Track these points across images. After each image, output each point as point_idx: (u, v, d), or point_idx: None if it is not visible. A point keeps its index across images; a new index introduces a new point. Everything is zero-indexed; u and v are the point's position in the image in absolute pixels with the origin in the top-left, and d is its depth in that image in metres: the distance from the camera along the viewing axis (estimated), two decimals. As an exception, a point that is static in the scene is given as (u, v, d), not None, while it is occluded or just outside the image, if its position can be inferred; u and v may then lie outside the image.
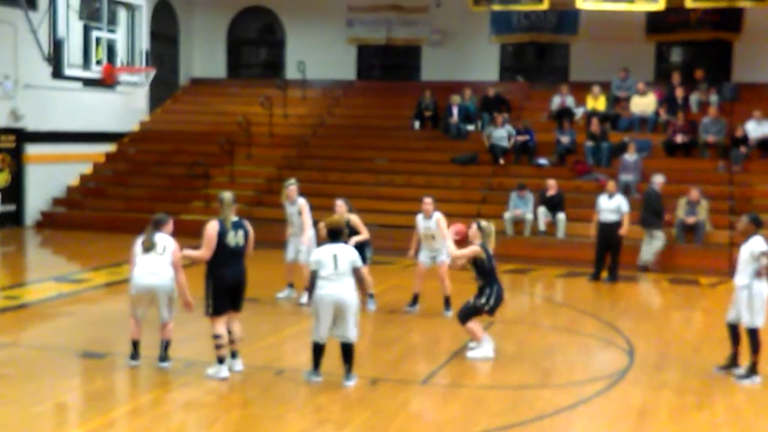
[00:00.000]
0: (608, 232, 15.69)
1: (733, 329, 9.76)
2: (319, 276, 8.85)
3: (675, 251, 17.56)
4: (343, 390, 8.89)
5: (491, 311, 10.30)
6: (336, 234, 9.13)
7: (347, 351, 9.03)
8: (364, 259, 12.22)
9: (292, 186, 13.35)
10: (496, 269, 10.35)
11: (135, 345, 9.58)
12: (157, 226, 9.81)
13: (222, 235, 9.17)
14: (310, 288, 8.94)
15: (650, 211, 16.82)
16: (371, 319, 12.27)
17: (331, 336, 8.98)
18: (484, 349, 10.21)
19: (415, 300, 12.75)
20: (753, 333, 9.54)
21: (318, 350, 9.02)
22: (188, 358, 9.90)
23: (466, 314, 10.30)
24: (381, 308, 12.93)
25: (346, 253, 9.01)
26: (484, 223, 10.46)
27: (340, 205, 12.80)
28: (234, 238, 9.22)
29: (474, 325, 10.29)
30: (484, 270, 10.20)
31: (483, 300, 10.21)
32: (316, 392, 8.85)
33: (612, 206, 15.69)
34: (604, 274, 15.82)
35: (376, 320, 12.24)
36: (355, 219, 12.72)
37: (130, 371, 9.64)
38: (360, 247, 11.79)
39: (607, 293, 15.15)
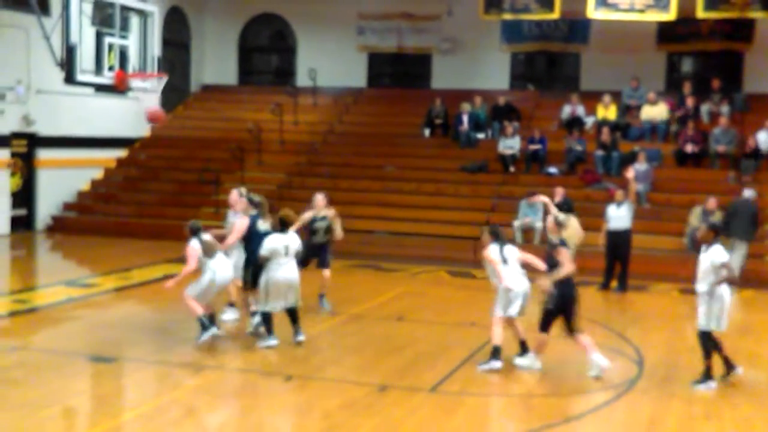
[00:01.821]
0: (617, 241, 15.67)
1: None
2: (275, 262, 10.42)
3: (685, 261, 17.48)
4: (352, 397, 8.89)
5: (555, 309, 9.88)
6: (286, 225, 10.75)
7: (293, 314, 10.74)
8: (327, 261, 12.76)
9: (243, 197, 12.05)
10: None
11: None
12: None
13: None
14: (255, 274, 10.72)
15: (749, 222, 16.80)
16: (379, 327, 12.28)
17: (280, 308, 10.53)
18: (532, 359, 10.08)
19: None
20: (703, 336, 9.51)
21: (269, 318, 10.61)
22: (197, 363, 9.92)
23: (542, 320, 9.99)
24: (390, 315, 12.95)
25: (294, 241, 10.70)
26: (562, 216, 10.35)
27: (321, 199, 12.98)
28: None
29: (545, 336, 10.01)
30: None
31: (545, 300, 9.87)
32: (325, 399, 8.86)
33: (621, 214, 15.68)
34: (614, 284, 15.79)
35: (385, 327, 12.25)
36: (332, 215, 12.89)
37: (139, 376, 9.67)
38: (322, 249, 12.56)
39: (617, 302, 15.12)
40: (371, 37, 25.96)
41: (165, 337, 11.36)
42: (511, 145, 21.34)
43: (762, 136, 20.20)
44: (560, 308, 9.78)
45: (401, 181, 21.57)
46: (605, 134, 20.56)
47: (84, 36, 19.68)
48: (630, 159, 20.04)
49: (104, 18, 20.34)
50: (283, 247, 10.55)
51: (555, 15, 21.66)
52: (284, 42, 27.42)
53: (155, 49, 20.58)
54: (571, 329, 9.83)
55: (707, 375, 9.55)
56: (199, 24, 27.10)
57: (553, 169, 20.89)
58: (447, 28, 25.16)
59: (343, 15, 25.89)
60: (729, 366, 9.76)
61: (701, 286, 9.53)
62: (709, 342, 9.57)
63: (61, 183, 22.19)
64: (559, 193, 18.49)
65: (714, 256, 9.44)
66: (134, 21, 20.08)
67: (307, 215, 12.90)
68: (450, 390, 9.33)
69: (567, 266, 9.66)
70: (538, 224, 18.56)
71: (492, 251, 10.04)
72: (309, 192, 21.68)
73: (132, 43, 19.81)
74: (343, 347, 11.12)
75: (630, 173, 15.43)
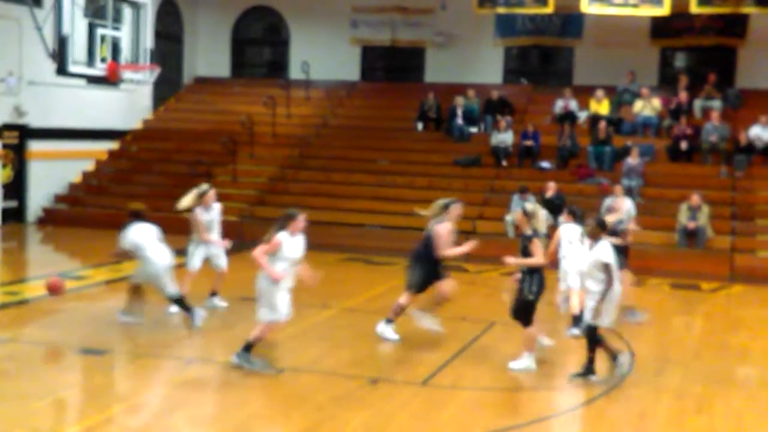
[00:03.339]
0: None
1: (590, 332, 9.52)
2: None
3: (676, 256, 17.55)
4: (344, 390, 8.89)
5: (536, 300, 9.86)
6: None
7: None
8: None
9: (211, 191, 12.35)
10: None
11: None
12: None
13: None
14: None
15: None
16: (371, 320, 12.27)
17: None
18: (527, 361, 9.90)
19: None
20: (590, 331, 9.40)
21: None
22: (188, 356, 9.90)
23: (525, 313, 9.88)
24: (382, 309, 12.89)
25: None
26: (529, 206, 10.29)
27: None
28: None
29: (533, 331, 9.95)
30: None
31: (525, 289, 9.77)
32: (317, 391, 8.85)
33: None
34: None
35: (377, 321, 12.23)
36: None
37: (130, 369, 9.65)
38: None
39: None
40: (365, 30, 25.91)
41: (156, 330, 11.33)
42: (503, 139, 21.34)
43: (754, 132, 20.24)
44: (538, 298, 9.77)
45: (394, 174, 21.55)
46: (602, 129, 20.56)
47: (76, 27, 19.63)
48: (623, 153, 20.07)
49: (96, 9, 20.29)
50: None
51: (549, 9, 21.65)
52: (277, 35, 27.36)
53: (148, 40, 20.53)
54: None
55: (590, 367, 9.37)
56: (192, 16, 27.01)
57: (545, 164, 20.89)
58: (441, 22, 25.12)
59: (337, 8, 25.83)
60: (613, 356, 9.56)
61: (591, 285, 9.35)
62: (595, 336, 9.39)
63: (52, 175, 22.10)
64: (552, 187, 18.53)
65: (600, 253, 9.28)
66: (127, 12, 20.04)
67: None
68: (441, 384, 9.34)
69: (538, 257, 9.64)
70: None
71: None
72: (301, 185, 21.92)
73: (124, 34, 19.77)
74: (334, 340, 11.11)
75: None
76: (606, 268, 9.24)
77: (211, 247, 12.36)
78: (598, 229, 9.45)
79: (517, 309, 9.88)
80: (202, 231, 12.17)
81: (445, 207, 10.78)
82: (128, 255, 11.26)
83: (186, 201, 12.02)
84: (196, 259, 12.34)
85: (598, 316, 9.32)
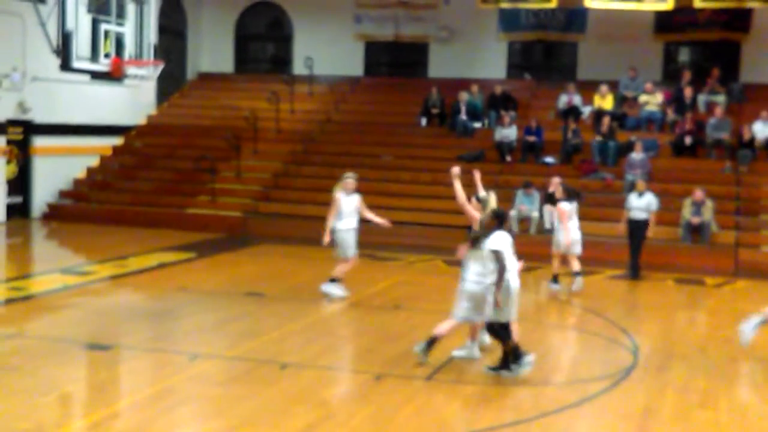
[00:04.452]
0: (637, 229, 15.74)
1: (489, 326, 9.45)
2: None
3: (680, 251, 17.55)
4: (347, 385, 8.90)
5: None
6: None
7: None
8: None
9: (350, 179, 13.29)
10: None
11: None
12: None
13: None
14: None
15: None
16: (375, 315, 12.29)
17: None
18: (470, 349, 9.95)
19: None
20: (494, 327, 9.31)
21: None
22: (193, 351, 9.92)
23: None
24: (386, 304, 12.96)
25: None
26: (482, 194, 10.22)
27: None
28: None
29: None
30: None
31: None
32: (321, 387, 8.86)
33: (642, 204, 15.71)
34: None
35: (381, 316, 12.26)
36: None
37: (135, 364, 9.67)
38: None
39: (613, 292, 15.14)
40: (368, 25, 25.91)
41: (161, 325, 11.36)
42: (507, 134, 21.32)
43: (758, 127, 20.21)
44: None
45: (398, 170, 21.56)
46: (605, 124, 20.55)
47: (80, 23, 19.71)
48: (627, 148, 20.05)
49: (100, 5, 20.34)
50: None
51: (552, 4, 21.65)
52: (281, 30, 27.35)
53: (151, 36, 20.59)
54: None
55: (505, 361, 9.26)
56: (196, 11, 27.02)
57: (549, 159, 20.88)
58: (444, 17, 25.11)
59: (340, 3, 25.84)
60: (517, 355, 9.40)
61: (488, 278, 9.26)
62: (503, 331, 9.28)
63: (56, 170, 22.14)
64: (556, 182, 18.49)
65: (491, 242, 9.20)
66: (130, 8, 20.09)
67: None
68: (445, 379, 9.34)
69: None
70: (535, 214, 18.57)
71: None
72: (305, 181, 21.92)
73: (128, 30, 19.83)
74: (339, 336, 11.12)
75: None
76: (496, 256, 9.13)
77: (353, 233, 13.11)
78: (494, 220, 9.35)
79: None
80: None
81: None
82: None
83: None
84: (352, 246, 13.15)
85: (498, 311, 9.21)
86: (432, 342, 9.55)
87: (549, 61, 25.92)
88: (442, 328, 9.60)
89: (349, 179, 13.30)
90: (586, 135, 21.04)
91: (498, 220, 9.41)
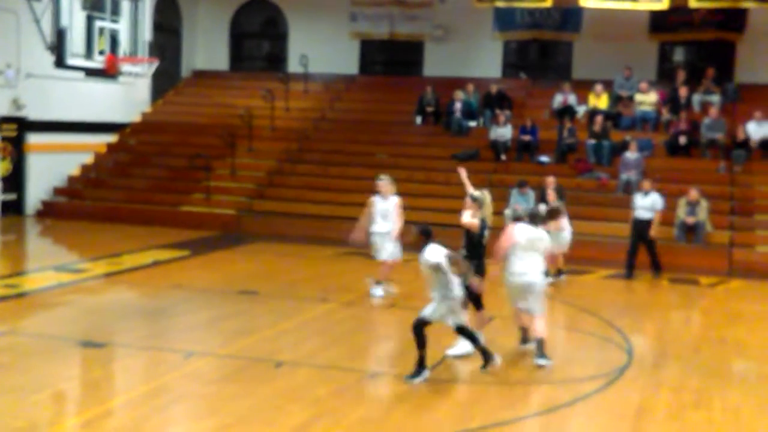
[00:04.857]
0: (643, 229, 15.77)
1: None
2: None
3: (675, 251, 17.56)
4: (342, 383, 8.89)
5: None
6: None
7: None
8: None
9: (380, 181, 13.42)
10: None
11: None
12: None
13: None
14: None
15: None
16: (370, 314, 12.29)
17: None
18: (463, 346, 9.89)
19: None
20: (419, 327, 9.16)
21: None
22: (187, 349, 9.91)
23: (476, 298, 10.01)
24: (381, 303, 12.95)
25: None
26: (476, 193, 10.22)
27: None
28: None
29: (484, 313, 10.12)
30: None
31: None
32: (315, 385, 8.86)
33: (647, 204, 15.75)
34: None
35: (376, 315, 12.26)
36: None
37: (129, 362, 9.65)
38: None
39: (608, 292, 15.16)
40: (363, 23, 25.89)
41: (155, 323, 11.35)
42: (502, 133, 21.32)
43: (752, 127, 20.24)
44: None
45: (393, 168, 21.43)
46: (598, 123, 20.56)
47: (74, 20, 19.58)
48: (621, 148, 20.07)
49: (95, 1, 20.24)
50: None
51: (547, 3, 21.65)
52: (276, 28, 27.32)
53: (146, 33, 20.51)
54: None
55: (420, 366, 9.06)
56: (191, 9, 26.97)
57: (544, 158, 20.88)
58: (439, 16, 25.10)
59: (335, 1, 25.81)
60: (486, 357, 9.38)
61: (434, 294, 9.13)
62: (422, 335, 9.10)
63: (51, 167, 22.09)
64: (551, 182, 18.51)
65: (428, 256, 9.07)
66: (125, 5, 19.99)
67: None
68: (440, 377, 9.34)
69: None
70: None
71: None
72: (300, 179, 21.90)
73: (123, 27, 19.73)
74: (333, 334, 11.12)
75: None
76: (437, 268, 9.01)
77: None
78: (422, 237, 9.19)
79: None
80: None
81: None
82: None
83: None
84: (388, 247, 13.24)
85: (436, 314, 9.14)
86: (540, 345, 9.71)
87: (544, 60, 25.92)
88: (539, 328, 9.79)
89: (380, 181, 13.43)
90: (581, 134, 21.05)
91: (425, 237, 9.23)
